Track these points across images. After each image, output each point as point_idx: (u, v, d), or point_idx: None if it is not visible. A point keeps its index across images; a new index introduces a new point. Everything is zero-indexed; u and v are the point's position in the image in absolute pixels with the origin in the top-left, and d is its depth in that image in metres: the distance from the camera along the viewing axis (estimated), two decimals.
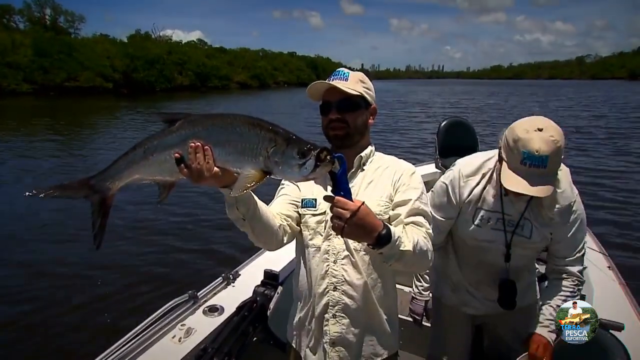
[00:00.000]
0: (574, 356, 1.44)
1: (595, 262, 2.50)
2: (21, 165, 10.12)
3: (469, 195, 1.61)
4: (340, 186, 1.01)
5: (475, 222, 1.61)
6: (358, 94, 1.29)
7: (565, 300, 1.53)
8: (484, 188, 1.59)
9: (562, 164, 1.45)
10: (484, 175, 1.60)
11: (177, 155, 0.97)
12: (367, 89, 1.33)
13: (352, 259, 1.29)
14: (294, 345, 1.43)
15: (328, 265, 1.29)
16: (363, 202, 1.02)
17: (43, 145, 12.85)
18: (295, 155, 0.95)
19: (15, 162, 10.38)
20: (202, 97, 41.45)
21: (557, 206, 1.50)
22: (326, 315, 1.31)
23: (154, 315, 1.75)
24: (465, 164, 1.65)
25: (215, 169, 0.96)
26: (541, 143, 1.32)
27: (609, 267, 2.50)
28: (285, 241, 1.27)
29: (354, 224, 0.99)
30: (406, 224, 1.23)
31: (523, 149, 1.34)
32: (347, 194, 1.01)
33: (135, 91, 45.19)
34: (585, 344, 1.41)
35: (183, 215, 6.52)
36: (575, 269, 1.58)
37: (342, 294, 1.29)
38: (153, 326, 1.72)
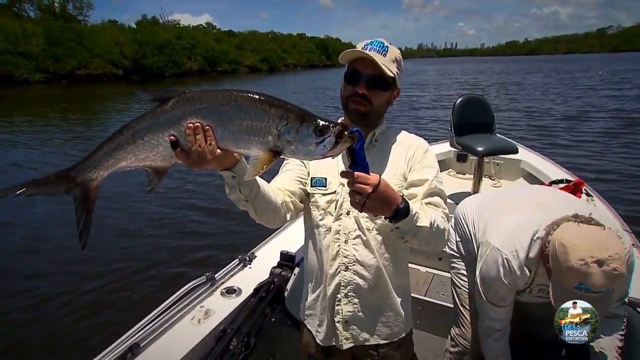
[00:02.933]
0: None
1: None
2: (35, 153, 10.27)
3: (523, 283, 1.51)
4: (359, 161, 0.97)
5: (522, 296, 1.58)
6: (392, 75, 1.22)
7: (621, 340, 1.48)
8: (535, 273, 1.48)
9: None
10: (533, 263, 1.47)
11: (172, 137, 0.88)
12: (399, 70, 1.26)
13: (364, 238, 1.26)
14: (307, 325, 1.43)
15: (339, 245, 1.27)
16: (380, 176, 0.99)
17: (55, 134, 12.99)
18: (311, 133, 0.89)
19: (28, 151, 10.53)
20: (211, 81, 41.48)
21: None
22: (338, 296, 1.30)
23: (172, 297, 1.77)
24: (511, 256, 1.46)
25: (218, 151, 0.89)
26: (602, 280, 1.19)
27: (633, 244, 2.42)
28: (288, 218, 1.24)
29: (376, 198, 0.97)
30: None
31: (580, 280, 1.22)
32: (365, 169, 0.98)
33: (145, 77, 45.33)
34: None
35: (197, 196, 6.55)
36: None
37: (354, 274, 1.27)
38: (172, 308, 1.73)
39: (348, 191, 1.21)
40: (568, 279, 1.25)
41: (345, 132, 0.90)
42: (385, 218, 1.06)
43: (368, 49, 1.21)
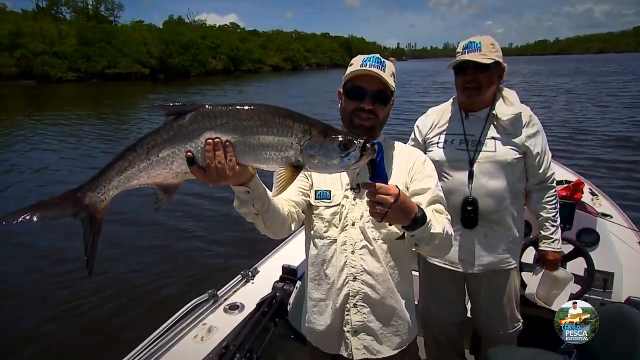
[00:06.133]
0: (604, 335, 1.40)
1: (624, 238, 2.45)
2: (68, 150, 10.70)
3: (432, 126, 1.86)
4: (379, 173, 0.99)
5: (439, 145, 1.82)
6: (394, 89, 1.27)
7: (555, 208, 1.83)
8: (446, 117, 1.85)
9: (510, 90, 1.79)
10: (444, 110, 1.88)
11: (189, 154, 0.86)
12: (395, 83, 1.30)
13: (370, 248, 1.28)
14: (310, 339, 1.43)
15: (346, 256, 1.29)
16: (397, 186, 1.02)
17: (87, 130, 13.54)
18: (335, 147, 0.91)
19: (63, 148, 10.99)
20: (235, 80, 41.98)
21: (509, 115, 1.72)
22: (347, 306, 1.31)
23: (175, 316, 1.79)
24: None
25: (237, 167, 0.88)
26: (473, 38, 1.72)
27: (639, 242, 2.43)
28: (293, 229, 1.26)
29: (397, 209, 1.00)
30: None
31: (462, 44, 1.73)
32: (385, 180, 1.00)
33: (170, 76, 46.29)
34: (616, 323, 1.41)
35: (196, 213, 6.36)
36: (548, 179, 1.82)
37: (362, 283, 1.29)
38: (175, 326, 1.76)
39: (352, 203, 1.27)
40: (458, 53, 1.74)
41: (367, 145, 0.92)
42: (402, 227, 1.09)
43: (368, 65, 1.24)
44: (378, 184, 0.99)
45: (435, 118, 1.87)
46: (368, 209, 1.05)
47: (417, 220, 1.06)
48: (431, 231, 1.10)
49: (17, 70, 36.59)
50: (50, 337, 3.50)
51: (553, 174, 1.84)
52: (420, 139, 1.90)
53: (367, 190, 1.01)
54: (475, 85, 1.70)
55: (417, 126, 1.93)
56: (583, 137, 10.55)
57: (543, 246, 1.85)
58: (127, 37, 45.86)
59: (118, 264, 4.68)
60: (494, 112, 1.74)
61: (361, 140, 0.91)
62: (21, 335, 3.53)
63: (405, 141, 1.46)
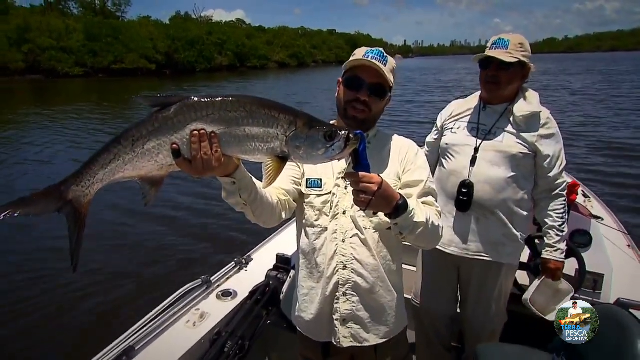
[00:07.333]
0: (593, 336, 1.40)
1: (614, 241, 2.47)
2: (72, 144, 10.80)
3: (450, 114, 1.95)
4: (362, 162, 1.02)
5: (452, 130, 1.91)
6: (391, 85, 1.28)
7: (562, 217, 1.80)
8: (465, 107, 1.92)
9: (533, 92, 1.80)
10: (465, 102, 1.96)
11: (174, 146, 0.85)
12: (394, 79, 1.32)
13: (362, 237, 1.29)
14: (302, 325, 1.43)
15: (337, 244, 1.29)
16: (379, 175, 1.05)
17: (93, 124, 13.64)
18: (320, 138, 0.92)
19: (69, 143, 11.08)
20: (240, 76, 41.98)
21: (525, 112, 1.75)
22: (337, 294, 1.31)
23: (168, 300, 1.81)
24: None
25: (222, 158, 0.89)
26: (503, 35, 1.76)
27: (628, 245, 2.46)
28: (283, 217, 1.26)
29: (380, 196, 1.03)
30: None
31: (492, 39, 1.78)
32: (368, 169, 1.03)
33: (176, 72, 46.42)
34: (605, 324, 1.41)
35: (192, 198, 6.40)
36: (557, 186, 1.79)
37: (352, 272, 1.29)
38: (167, 311, 1.77)
39: (343, 191, 1.28)
40: (487, 48, 1.78)
41: (351, 136, 0.94)
42: (385, 214, 1.12)
43: (370, 57, 1.25)
44: (362, 173, 1.01)
45: (456, 108, 1.96)
46: None
47: (399, 207, 1.08)
48: (414, 220, 1.12)
49: (25, 65, 36.86)
50: (42, 321, 3.54)
51: (564, 182, 1.81)
52: (439, 125, 2.01)
53: (351, 180, 1.03)
54: (495, 81, 1.76)
55: (440, 114, 2.04)
56: (579, 138, 10.41)
57: (546, 254, 1.83)
58: (134, 32, 45.98)
59: (112, 250, 4.73)
60: (511, 107, 1.78)
61: (345, 132, 0.94)
62: (16, 318, 3.57)
63: None
